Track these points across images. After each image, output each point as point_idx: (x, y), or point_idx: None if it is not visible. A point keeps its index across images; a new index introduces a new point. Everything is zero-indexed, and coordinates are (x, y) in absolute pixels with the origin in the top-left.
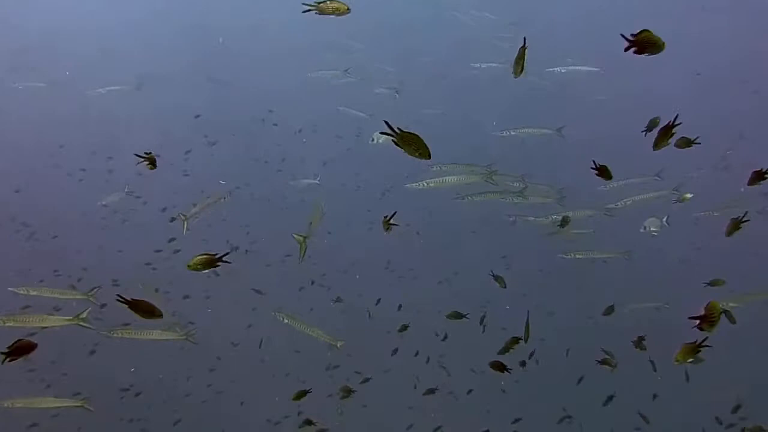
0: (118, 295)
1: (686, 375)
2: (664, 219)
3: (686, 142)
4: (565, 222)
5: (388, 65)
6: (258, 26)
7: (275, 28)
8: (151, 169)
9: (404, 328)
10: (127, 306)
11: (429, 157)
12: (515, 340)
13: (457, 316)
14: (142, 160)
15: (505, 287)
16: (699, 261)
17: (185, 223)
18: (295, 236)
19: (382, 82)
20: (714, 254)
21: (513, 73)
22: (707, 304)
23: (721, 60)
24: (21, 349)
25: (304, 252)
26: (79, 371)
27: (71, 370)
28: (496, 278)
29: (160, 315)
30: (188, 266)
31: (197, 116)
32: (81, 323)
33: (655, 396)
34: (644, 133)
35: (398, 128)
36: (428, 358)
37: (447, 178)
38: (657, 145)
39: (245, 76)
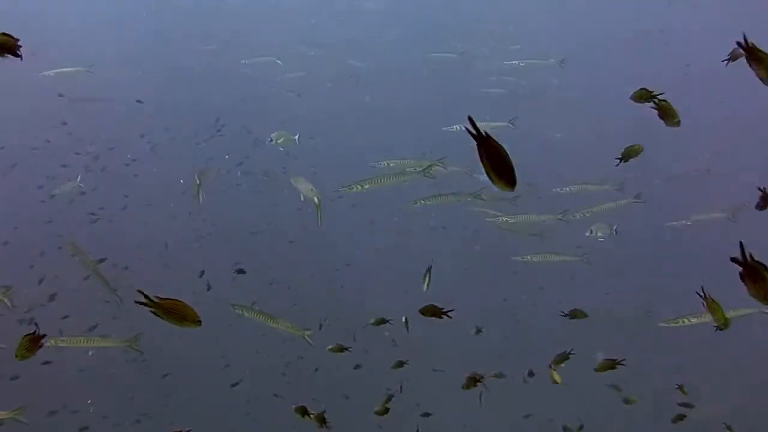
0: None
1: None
2: (614, 226)
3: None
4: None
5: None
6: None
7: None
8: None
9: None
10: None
11: None
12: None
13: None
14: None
15: (586, 317)
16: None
17: (200, 191)
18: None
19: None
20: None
21: None
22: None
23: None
24: None
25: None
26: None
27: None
28: (574, 315)
29: (195, 321)
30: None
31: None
32: None
33: None
34: (726, 62)
35: None
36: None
37: (380, 178)
38: None
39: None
